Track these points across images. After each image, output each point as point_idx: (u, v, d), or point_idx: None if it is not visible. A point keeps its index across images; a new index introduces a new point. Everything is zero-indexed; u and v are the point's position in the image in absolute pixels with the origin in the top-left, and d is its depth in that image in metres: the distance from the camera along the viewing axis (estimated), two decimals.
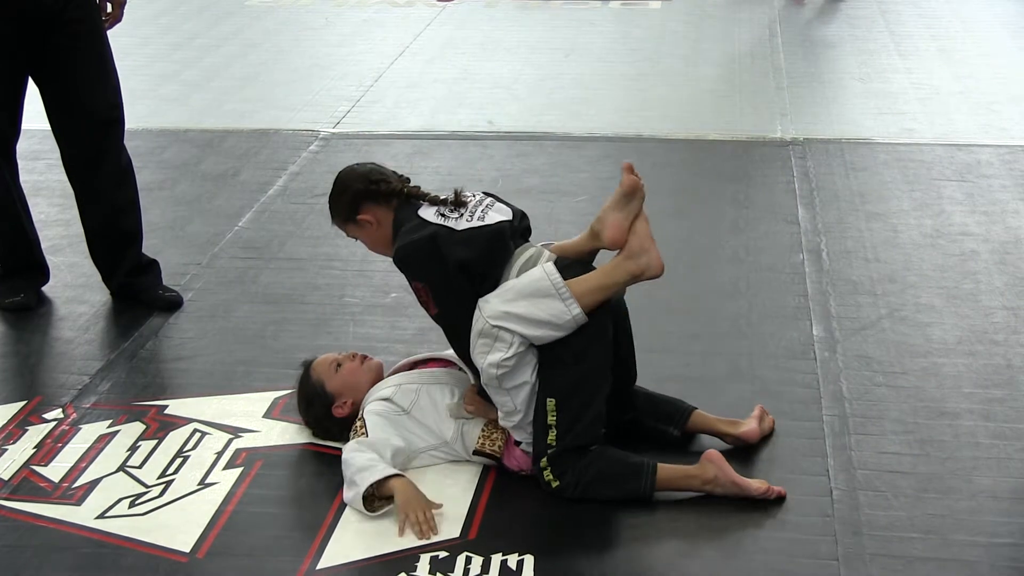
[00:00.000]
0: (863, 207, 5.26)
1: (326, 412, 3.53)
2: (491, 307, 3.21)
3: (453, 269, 3.22)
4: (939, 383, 3.86)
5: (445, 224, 3.28)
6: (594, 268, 3.33)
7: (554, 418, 3.23)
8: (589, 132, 6.29)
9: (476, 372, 3.34)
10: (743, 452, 3.46)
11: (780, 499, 3.25)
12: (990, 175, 5.62)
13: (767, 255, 4.77)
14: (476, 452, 3.39)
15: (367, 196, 3.38)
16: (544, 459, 3.26)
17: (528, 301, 3.19)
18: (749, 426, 3.50)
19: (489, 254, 3.27)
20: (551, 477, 3.26)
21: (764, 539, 3.14)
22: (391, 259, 3.39)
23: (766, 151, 5.98)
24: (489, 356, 3.21)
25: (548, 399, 3.24)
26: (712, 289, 4.51)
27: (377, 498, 3.23)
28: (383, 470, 3.23)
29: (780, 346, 4.09)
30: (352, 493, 3.24)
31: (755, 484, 3.25)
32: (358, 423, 3.41)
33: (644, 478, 3.24)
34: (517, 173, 5.71)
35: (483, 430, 3.39)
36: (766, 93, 6.95)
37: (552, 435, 3.24)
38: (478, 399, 3.39)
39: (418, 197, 3.38)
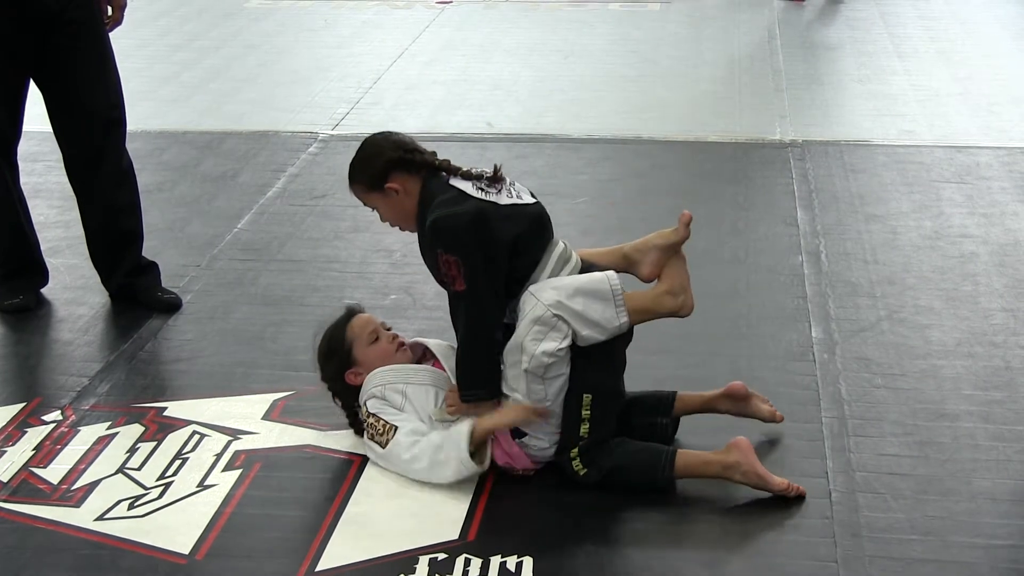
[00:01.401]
0: (862, 209, 5.25)
1: (339, 371, 3.50)
2: (549, 296, 3.22)
3: (503, 245, 3.23)
4: (938, 385, 3.86)
5: (487, 199, 3.28)
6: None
7: (588, 412, 3.30)
8: (588, 134, 6.29)
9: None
10: None
11: (800, 498, 3.25)
12: (989, 177, 5.62)
13: (766, 257, 4.77)
14: None
15: (400, 165, 3.34)
16: (575, 450, 3.31)
17: (585, 299, 3.23)
18: (728, 384, 3.54)
19: (532, 233, 3.30)
20: (580, 466, 3.30)
21: (763, 540, 3.15)
22: (405, 232, 3.40)
23: (765, 153, 5.98)
24: (544, 344, 3.22)
25: (584, 394, 3.29)
26: (711, 291, 4.50)
27: (475, 455, 3.27)
28: (460, 431, 3.25)
29: (779, 348, 4.09)
30: (451, 469, 3.26)
31: (777, 480, 3.26)
32: (371, 419, 3.38)
33: (663, 462, 3.28)
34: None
35: None
36: (765, 95, 6.95)
37: (585, 428, 3.30)
38: (459, 400, 3.39)
39: (450, 171, 3.36)
